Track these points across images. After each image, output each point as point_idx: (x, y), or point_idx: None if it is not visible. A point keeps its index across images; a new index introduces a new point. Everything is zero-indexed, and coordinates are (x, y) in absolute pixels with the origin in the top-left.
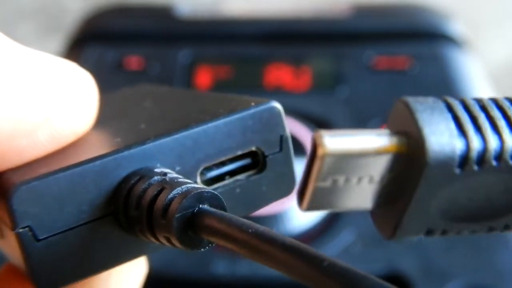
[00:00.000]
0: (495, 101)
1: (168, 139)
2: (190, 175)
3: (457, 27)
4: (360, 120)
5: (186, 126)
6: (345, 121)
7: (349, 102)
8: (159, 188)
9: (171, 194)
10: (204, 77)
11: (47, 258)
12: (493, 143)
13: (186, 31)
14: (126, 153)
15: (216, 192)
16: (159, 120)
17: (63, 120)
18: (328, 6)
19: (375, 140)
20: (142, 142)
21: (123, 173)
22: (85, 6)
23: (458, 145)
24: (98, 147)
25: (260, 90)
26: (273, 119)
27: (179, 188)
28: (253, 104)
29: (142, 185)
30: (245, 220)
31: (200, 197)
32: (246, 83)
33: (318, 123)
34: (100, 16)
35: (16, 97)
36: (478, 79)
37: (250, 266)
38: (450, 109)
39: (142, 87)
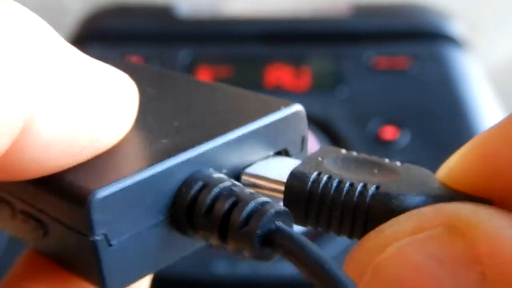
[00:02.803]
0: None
1: (219, 142)
2: (234, 176)
3: (457, 27)
4: (360, 120)
5: (231, 129)
6: (345, 121)
7: (349, 102)
8: (232, 201)
9: (248, 209)
10: (204, 77)
11: (115, 260)
12: None
13: (186, 31)
14: (186, 157)
15: (287, 210)
16: (193, 117)
17: (110, 130)
18: (328, 6)
19: None
20: (197, 144)
21: (182, 176)
22: (86, 6)
23: None
24: (147, 149)
25: (260, 90)
26: (300, 121)
27: (254, 203)
28: (282, 106)
29: (208, 194)
30: (315, 247)
31: (277, 214)
32: (246, 83)
33: (318, 123)
34: (100, 16)
35: (72, 113)
36: (478, 79)
37: (250, 266)
38: None
39: (133, 66)
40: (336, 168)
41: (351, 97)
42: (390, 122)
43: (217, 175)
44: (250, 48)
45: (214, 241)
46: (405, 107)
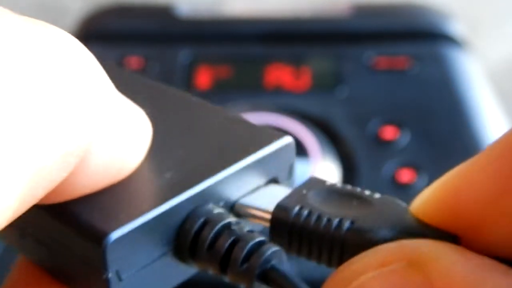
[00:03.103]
0: None
1: (218, 178)
2: (229, 206)
3: (457, 27)
4: (360, 120)
5: (229, 164)
6: (345, 121)
7: (349, 102)
8: (232, 239)
9: (248, 248)
10: (204, 77)
11: None
12: None
13: (186, 31)
14: (190, 194)
15: (281, 249)
16: (192, 148)
17: (134, 158)
18: (328, 6)
19: None
20: (200, 181)
21: (186, 212)
22: (85, 6)
23: None
24: (153, 184)
25: (260, 90)
26: (289, 152)
27: (253, 243)
28: (274, 139)
29: (210, 231)
30: (304, 285)
31: (273, 254)
32: (246, 83)
33: (318, 123)
34: (100, 16)
35: (114, 143)
36: (478, 79)
37: None
38: None
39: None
40: (317, 201)
41: (351, 97)
42: (390, 122)
43: (217, 211)
44: (250, 48)
45: (214, 271)
46: (405, 107)
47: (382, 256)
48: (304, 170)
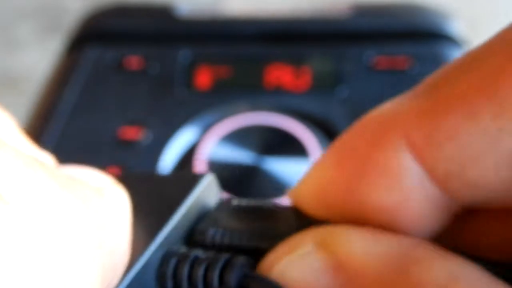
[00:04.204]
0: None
1: (170, 225)
2: (187, 239)
3: (457, 27)
4: None
5: (170, 213)
6: (345, 121)
7: (349, 102)
8: (203, 267)
9: (217, 270)
10: (204, 77)
11: None
12: None
13: (186, 31)
14: (158, 240)
15: (247, 257)
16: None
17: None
18: (328, 6)
19: None
20: (159, 229)
21: (158, 257)
22: (85, 6)
23: None
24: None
25: (260, 90)
26: (214, 187)
27: (221, 263)
28: (197, 180)
29: (183, 269)
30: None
31: (242, 265)
32: (246, 83)
33: (318, 123)
34: (100, 16)
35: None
36: None
37: None
38: None
39: None
40: (227, 221)
41: (351, 97)
42: None
43: (183, 249)
44: (250, 48)
45: None
46: None
47: (292, 244)
48: (304, 170)
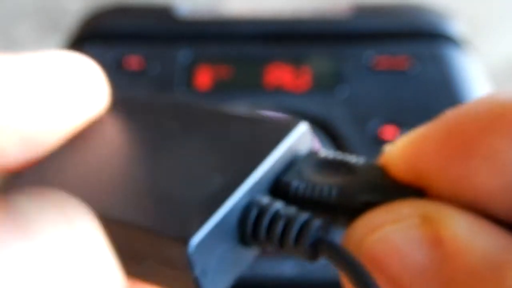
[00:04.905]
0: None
1: (257, 176)
2: (271, 191)
3: (457, 27)
4: (360, 120)
5: (261, 159)
6: (345, 121)
7: (349, 102)
8: (283, 223)
9: (296, 229)
10: (204, 77)
11: (209, 283)
12: None
13: (186, 31)
14: (241, 192)
15: (324, 220)
16: (229, 152)
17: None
18: (328, 6)
19: None
20: (246, 178)
21: (240, 207)
22: (85, 6)
23: None
24: (208, 186)
25: (260, 90)
26: (307, 137)
27: (299, 223)
28: (291, 126)
29: (264, 220)
30: (349, 252)
31: (318, 228)
32: (246, 83)
33: (318, 123)
34: (100, 16)
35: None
36: (478, 79)
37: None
38: None
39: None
40: (311, 173)
41: (351, 97)
42: (390, 122)
43: (265, 200)
44: (250, 48)
45: (273, 249)
46: (405, 107)
47: (395, 213)
48: None
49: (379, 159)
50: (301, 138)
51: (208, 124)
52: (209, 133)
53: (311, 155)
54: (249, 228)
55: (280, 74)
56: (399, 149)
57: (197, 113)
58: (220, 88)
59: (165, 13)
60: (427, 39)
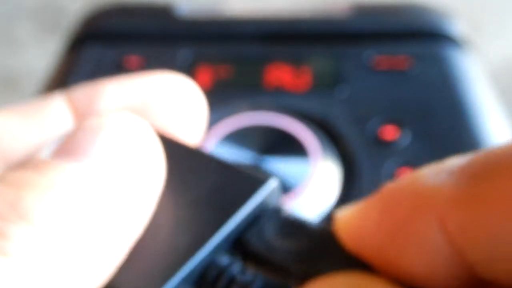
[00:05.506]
0: None
1: (225, 232)
2: (231, 248)
3: (457, 26)
4: (360, 120)
5: (227, 218)
6: (345, 121)
7: (349, 102)
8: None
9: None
10: (204, 77)
11: None
12: None
13: (186, 31)
14: (209, 247)
15: (285, 282)
16: (195, 207)
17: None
18: (328, 6)
19: None
20: (213, 234)
21: (205, 263)
22: (85, 6)
23: None
24: (170, 247)
25: (260, 90)
26: (276, 194)
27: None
28: (260, 184)
29: (223, 281)
30: None
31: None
32: (246, 83)
33: (318, 123)
34: (100, 16)
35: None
36: (478, 79)
37: None
38: None
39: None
40: (272, 235)
41: (351, 97)
42: (390, 122)
43: (225, 261)
44: (250, 48)
45: None
46: (406, 107)
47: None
48: (304, 170)
49: (332, 226)
50: (269, 195)
51: (185, 168)
52: (184, 180)
53: (275, 213)
54: (209, 285)
55: (280, 74)
56: (346, 221)
57: (176, 153)
58: (220, 88)
59: (165, 13)
60: (427, 39)
